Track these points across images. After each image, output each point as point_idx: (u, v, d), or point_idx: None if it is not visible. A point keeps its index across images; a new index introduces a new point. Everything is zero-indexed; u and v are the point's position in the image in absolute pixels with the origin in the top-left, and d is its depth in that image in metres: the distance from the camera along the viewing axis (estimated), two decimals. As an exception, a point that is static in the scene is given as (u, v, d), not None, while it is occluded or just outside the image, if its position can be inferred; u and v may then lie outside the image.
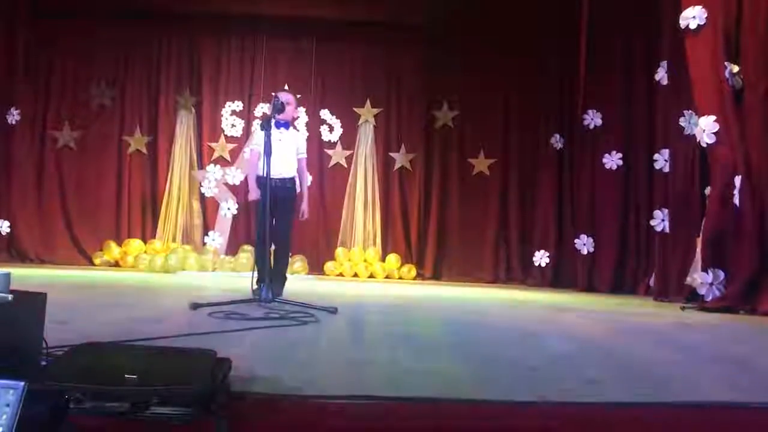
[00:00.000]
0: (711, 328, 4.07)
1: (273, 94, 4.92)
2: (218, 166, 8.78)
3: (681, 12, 5.57)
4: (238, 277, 7.27)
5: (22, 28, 8.63)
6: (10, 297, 1.60)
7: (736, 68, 5.31)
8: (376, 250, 8.75)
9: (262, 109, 8.80)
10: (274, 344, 2.67)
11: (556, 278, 8.29)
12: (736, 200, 5.14)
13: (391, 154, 9.03)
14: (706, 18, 5.42)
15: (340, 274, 8.56)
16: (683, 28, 5.54)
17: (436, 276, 8.75)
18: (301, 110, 8.63)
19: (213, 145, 8.94)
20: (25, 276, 5.77)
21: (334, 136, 9.00)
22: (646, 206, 7.05)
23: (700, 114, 5.44)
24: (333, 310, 3.78)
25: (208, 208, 8.88)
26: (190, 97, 9.01)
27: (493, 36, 8.50)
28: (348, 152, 9.01)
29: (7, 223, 8.55)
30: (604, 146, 7.47)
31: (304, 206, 5.04)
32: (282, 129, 4.85)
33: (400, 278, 8.58)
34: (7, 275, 1.66)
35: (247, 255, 8.04)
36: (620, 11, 7.21)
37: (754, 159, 5.14)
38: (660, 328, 3.89)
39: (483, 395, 1.80)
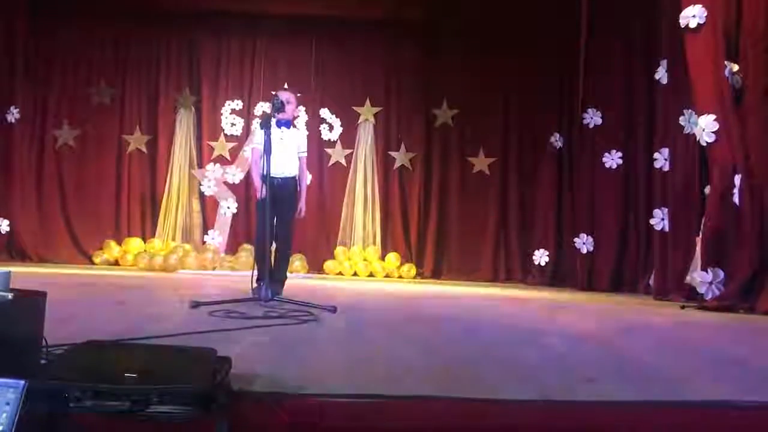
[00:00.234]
0: (710, 327, 4.07)
1: (273, 92, 4.91)
2: (218, 165, 8.78)
3: (681, 11, 5.57)
4: (237, 275, 7.27)
5: (22, 27, 8.62)
6: (10, 296, 1.60)
7: (735, 67, 5.31)
8: (376, 249, 8.76)
9: (262, 107, 8.80)
10: (274, 343, 2.67)
11: (555, 277, 8.29)
12: (736, 199, 5.15)
13: (391, 152, 9.03)
14: (706, 17, 5.41)
15: (340, 273, 8.56)
16: (683, 26, 5.54)
17: (436, 275, 8.76)
18: (301, 109, 8.62)
19: (213, 143, 8.94)
20: (25, 275, 5.76)
21: (334, 135, 9.00)
22: (646, 205, 7.04)
23: (699, 113, 5.44)
24: (332, 309, 3.77)
25: (208, 206, 8.88)
26: (189, 95, 9.01)
27: (493, 34, 8.51)
28: (348, 151, 9.01)
29: (6, 222, 8.55)
30: (603, 145, 7.46)
31: (302, 204, 5.03)
32: (283, 128, 4.85)
33: (400, 277, 8.58)
34: (7, 274, 1.66)
35: (246, 254, 8.05)
36: (620, 10, 7.21)
37: (754, 158, 5.14)
38: (659, 327, 3.90)
39: (483, 394, 1.80)
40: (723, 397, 1.82)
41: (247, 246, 8.23)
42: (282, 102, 4.63)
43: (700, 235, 5.58)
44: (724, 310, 4.87)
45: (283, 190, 4.71)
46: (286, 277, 4.88)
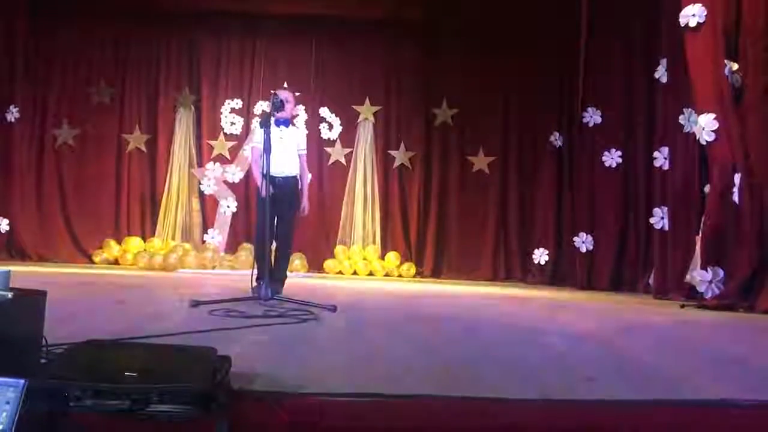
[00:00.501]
0: (710, 325, 4.07)
1: (272, 91, 4.91)
2: (218, 164, 8.78)
3: (681, 10, 5.56)
4: (237, 274, 7.26)
5: (22, 27, 8.61)
6: (10, 295, 1.60)
7: (735, 66, 5.31)
8: (376, 248, 8.75)
9: (262, 107, 8.79)
10: (274, 342, 2.67)
11: (555, 276, 8.28)
12: (736, 198, 5.15)
13: (391, 151, 9.03)
14: (706, 16, 5.41)
15: (340, 272, 8.55)
16: (683, 25, 5.54)
17: (436, 274, 8.75)
18: (300, 108, 8.62)
19: (212, 143, 8.94)
20: (25, 274, 5.76)
21: (334, 134, 8.99)
22: (646, 204, 7.04)
23: (699, 112, 5.44)
24: (332, 308, 3.78)
25: (208, 205, 8.88)
26: (189, 95, 9.01)
27: (493, 34, 8.49)
28: (347, 150, 9.00)
29: (6, 222, 8.54)
30: (603, 144, 7.46)
31: (305, 202, 5.03)
32: (282, 127, 4.85)
33: (400, 276, 8.58)
34: (7, 273, 1.66)
35: (246, 253, 8.04)
36: (620, 10, 7.20)
37: (754, 157, 5.14)
38: (659, 326, 3.90)
39: (482, 393, 1.80)
40: (723, 396, 1.82)
41: (246, 245, 8.22)
42: (281, 101, 4.63)
43: (700, 234, 5.59)
44: (723, 309, 4.87)
45: (283, 189, 4.71)
46: (286, 276, 4.89)
